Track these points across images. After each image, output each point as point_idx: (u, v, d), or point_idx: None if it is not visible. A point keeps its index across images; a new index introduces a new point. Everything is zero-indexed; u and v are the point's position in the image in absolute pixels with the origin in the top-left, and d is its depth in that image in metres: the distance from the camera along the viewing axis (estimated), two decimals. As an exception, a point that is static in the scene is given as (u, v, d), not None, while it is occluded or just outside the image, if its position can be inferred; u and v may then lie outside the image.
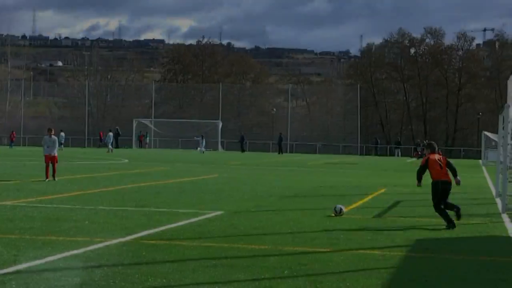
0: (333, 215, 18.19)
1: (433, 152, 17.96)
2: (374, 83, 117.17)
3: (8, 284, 9.56)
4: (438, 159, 17.63)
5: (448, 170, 17.61)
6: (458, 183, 17.87)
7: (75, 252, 12.04)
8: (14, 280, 9.74)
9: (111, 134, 77.45)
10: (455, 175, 17.72)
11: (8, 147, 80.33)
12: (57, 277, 9.99)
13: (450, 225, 16.77)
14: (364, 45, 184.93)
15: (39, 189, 24.64)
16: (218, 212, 18.47)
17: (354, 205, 21.27)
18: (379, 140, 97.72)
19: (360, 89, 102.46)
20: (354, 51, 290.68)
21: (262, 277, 10.38)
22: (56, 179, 28.55)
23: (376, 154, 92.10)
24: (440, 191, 17.33)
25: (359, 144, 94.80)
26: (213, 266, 11.07)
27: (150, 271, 10.56)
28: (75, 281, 9.80)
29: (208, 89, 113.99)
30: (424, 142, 75.37)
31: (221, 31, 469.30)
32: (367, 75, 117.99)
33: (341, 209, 18.41)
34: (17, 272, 10.32)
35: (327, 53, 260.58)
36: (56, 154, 29.53)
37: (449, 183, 17.44)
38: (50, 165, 29.00)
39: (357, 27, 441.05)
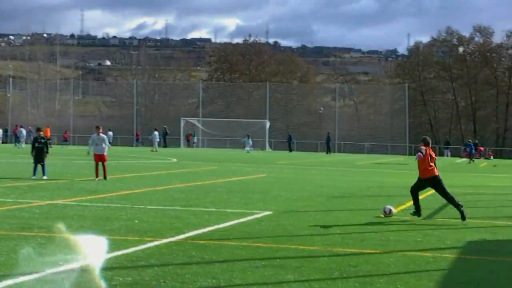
0: (382, 216, 18.08)
1: (426, 146, 18.66)
2: (422, 82, 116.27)
3: (60, 282, 9.66)
4: (430, 154, 18.40)
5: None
6: None
7: (125, 251, 12.13)
8: (66, 279, 9.83)
9: (156, 133, 77.85)
10: None
11: (61, 146, 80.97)
12: (109, 276, 10.06)
13: (417, 214, 17.94)
14: (411, 43, 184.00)
15: (89, 188, 24.87)
16: (267, 212, 18.48)
17: (403, 206, 21.12)
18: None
19: (408, 88, 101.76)
20: (402, 50, 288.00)
21: (312, 278, 10.36)
22: (107, 178, 28.71)
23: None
24: (424, 187, 18.54)
25: (407, 144, 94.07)
26: (262, 266, 11.08)
27: (200, 271, 10.59)
28: (126, 280, 9.87)
29: (255, 88, 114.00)
30: (471, 141, 74.71)
31: (268, 30, 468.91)
32: (415, 74, 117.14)
33: (390, 210, 18.29)
34: (69, 270, 10.42)
35: (375, 52, 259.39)
36: (105, 153, 29.59)
37: (437, 176, 18.28)
38: (100, 164, 29.17)
39: (404, 26, 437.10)
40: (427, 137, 19.36)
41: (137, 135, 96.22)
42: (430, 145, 18.87)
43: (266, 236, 14.35)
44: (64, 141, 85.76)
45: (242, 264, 11.26)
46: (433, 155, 18.54)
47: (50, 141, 30.26)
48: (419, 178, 18.54)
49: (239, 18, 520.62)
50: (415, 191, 18.38)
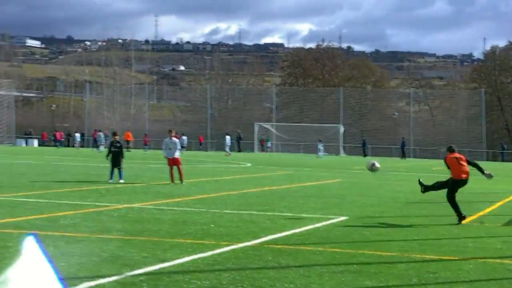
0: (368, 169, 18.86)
1: (451, 152, 19.13)
2: (499, 87, 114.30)
3: (139, 285, 9.75)
4: (455, 157, 18.80)
5: (473, 167, 18.96)
6: (489, 176, 19.29)
7: (202, 255, 12.17)
8: (145, 282, 9.92)
9: (228, 137, 78.04)
10: (481, 171, 19.02)
11: (143, 150, 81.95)
12: (187, 280, 10.11)
13: (460, 218, 17.84)
14: (487, 48, 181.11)
15: (165, 191, 25.09)
16: (343, 218, 18.36)
17: (482, 213, 20.79)
18: (505, 146, 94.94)
19: (485, 93, 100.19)
20: (478, 54, 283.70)
21: (390, 284, 10.25)
22: (183, 182, 28.88)
23: (503, 160, 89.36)
24: (458, 189, 18.70)
25: (485, 150, 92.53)
26: (340, 272, 10.99)
27: (276, 276, 10.57)
28: (203, 284, 9.90)
29: (329, 93, 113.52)
30: None
31: (341, 35, 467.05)
32: (492, 79, 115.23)
33: (373, 163, 18.96)
34: (148, 273, 10.51)
35: (449, 56, 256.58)
36: (178, 157, 29.70)
37: (467, 180, 18.74)
38: (174, 168, 29.34)
39: (480, 30, 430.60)
40: (452, 145, 20.01)
41: (200, 139, 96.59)
42: (456, 151, 19.29)
43: (343, 242, 14.25)
44: (145, 145, 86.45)
45: (319, 269, 11.19)
46: (458, 157, 18.88)
47: (127, 145, 30.63)
48: (453, 180, 18.73)
49: (312, 23, 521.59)
50: (452, 197, 18.46)
